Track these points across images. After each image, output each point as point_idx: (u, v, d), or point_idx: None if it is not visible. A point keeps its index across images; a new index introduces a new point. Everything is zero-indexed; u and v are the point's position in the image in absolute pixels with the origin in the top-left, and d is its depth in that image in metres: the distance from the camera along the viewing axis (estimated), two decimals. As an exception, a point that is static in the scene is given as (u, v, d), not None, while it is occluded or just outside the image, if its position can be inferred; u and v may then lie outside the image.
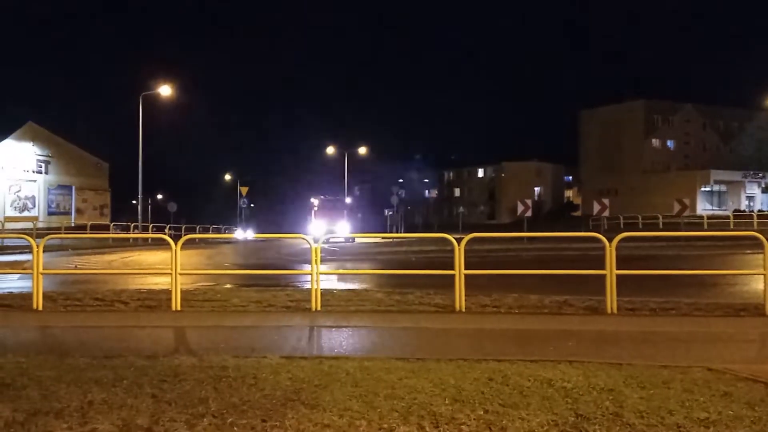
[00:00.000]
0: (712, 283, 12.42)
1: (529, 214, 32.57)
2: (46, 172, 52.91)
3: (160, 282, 12.24)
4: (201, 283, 12.74)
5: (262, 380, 4.85)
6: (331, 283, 12.86)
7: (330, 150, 63.40)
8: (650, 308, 8.76)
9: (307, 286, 9.35)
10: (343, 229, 37.71)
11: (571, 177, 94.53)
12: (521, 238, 23.80)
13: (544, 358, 5.67)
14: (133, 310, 9.11)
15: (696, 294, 10.33)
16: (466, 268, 8.88)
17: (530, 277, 11.81)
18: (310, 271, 9.09)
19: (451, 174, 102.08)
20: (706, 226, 43.64)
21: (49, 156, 53.09)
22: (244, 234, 45.76)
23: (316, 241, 9.46)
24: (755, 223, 43.52)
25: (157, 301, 9.61)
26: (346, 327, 7.87)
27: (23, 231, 31.92)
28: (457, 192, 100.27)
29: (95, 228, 42.23)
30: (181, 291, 9.32)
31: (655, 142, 74.89)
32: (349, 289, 11.34)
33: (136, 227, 40.92)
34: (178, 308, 9.02)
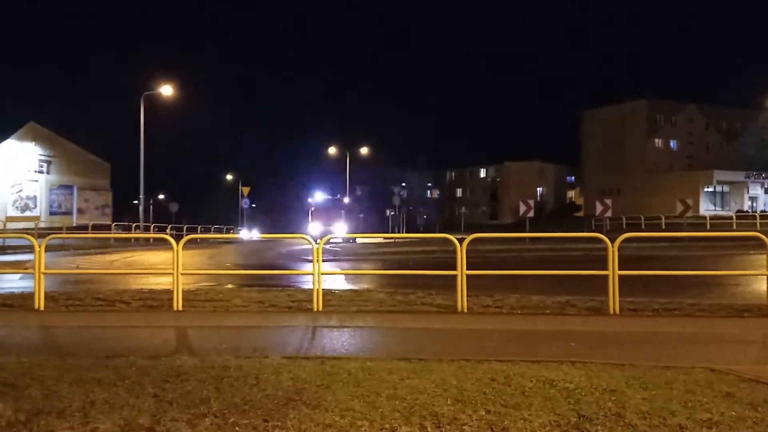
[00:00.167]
0: (714, 283, 12.40)
1: (531, 214, 32.55)
2: (47, 172, 52.95)
3: (161, 282, 12.25)
4: (202, 283, 12.74)
5: (264, 380, 4.85)
6: (333, 283, 12.85)
7: (332, 150, 63.42)
8: (653, 309, 8.74)
9: (309, 286, 9.34)
10: (340, 229, 37.58)
11: (573, 177, 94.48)
12: (523, 239, 23.77)
13: (546, 359, 5.66)
14: (134, 310, 9.12)
15: (699, 295, 10.31)
16: (468, 269, 8.87)
17: (532, 278, 11.79)
18: (311, 271, 9.09)
19: (453, 174, 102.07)
20: (708, 227, 43.53)
21: (50, 156, 53.14)
22: (249, 234, 45.77)
23: (317, 241, 9.46)
24: (758, 224, 43.45)
25: (159, 301, 9.62)
26: (347, 327, 7.86)
27: (25, 231, 31.92)
28: (458, 192, 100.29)
29: (97, 228, 42.24)
30: (183, 291, 9.33)
31: (658, 142, 74.79)
32: (350, 290, 11.34)
33: (137, 227, 40.91)
34: (180, 308, 9.02)
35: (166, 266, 11.20)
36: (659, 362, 5.60)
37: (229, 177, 76.51)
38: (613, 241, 8.66)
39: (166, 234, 23.01)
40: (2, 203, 48.80)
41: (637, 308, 8.78)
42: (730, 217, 50.59)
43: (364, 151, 62.98)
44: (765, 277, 8.65)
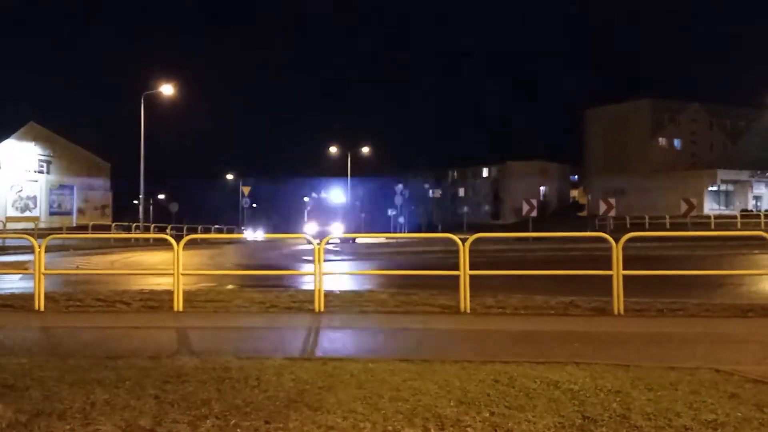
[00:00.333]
0: (719, 283, 12.35)
1: (534, 214, 32.49)
2: (47, 172, 52.96)
3: (162, 282, 12.22)
4: (203, 284, 12.72)
5: (266, 382, 4.82)
6: (335, 283, 12.82)
7: (333, 150, 63.41)
8: (657, 309, 8.70)
9: (310, 286, 9.31)
10: (337, 229, 37.17)
11: (576, 176, 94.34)
12: (526, 239, 23.77)
13: (550, 360, 5.62)
14: (135, 311, 9.09)
15: (703, 294, 10.27)
16: (470, 269, 8.83)
17: (536, 278, 11.75)
18: (313, 272, 9.05)
19: (455, 173, 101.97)
20: (713, 226, 43.45)
21: (50, 156, 53.14)
22: (254, 234, 45.55)
23: (318, 240, 9.42)
24: (762, 223, 43.43)
25: (160, 301, 9.59)
26: (349, 328, 7.84)
27: (25, 231, 31.96)
28: (461, 192, 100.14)
29: (97, 228, 42.28)
30: (184, 292, 9.30)
31: (662, 141, 74.70)
32: (352, 290, 11.31)
33: (137, 227, 40.95)
34: (181, 309, 8.99)
35: (167, 267, 11.19)
36: (664, 363, 5.56)
37: (229, 177, 76.63)
38: (617, 240, 8.62)
39: (166, 234, 23.02)
40: (2, 203, 48.82)
41: (641, 308, 8.73)
42: (735, 217, 50.50)
43: (365, 150, 63.00)
44: (769, 276, 8.59)
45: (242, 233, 49.59)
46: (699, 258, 19.93)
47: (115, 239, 33.59)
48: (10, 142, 50.36)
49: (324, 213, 41.74)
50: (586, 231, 31.29)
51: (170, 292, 9.40)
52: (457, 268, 8.84)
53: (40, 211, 51.74)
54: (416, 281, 12.13)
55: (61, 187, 54.09)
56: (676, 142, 75.45)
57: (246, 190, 54.70)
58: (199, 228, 44.27)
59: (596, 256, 12.68)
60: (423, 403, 4.27)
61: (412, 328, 7.86)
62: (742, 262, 18.98)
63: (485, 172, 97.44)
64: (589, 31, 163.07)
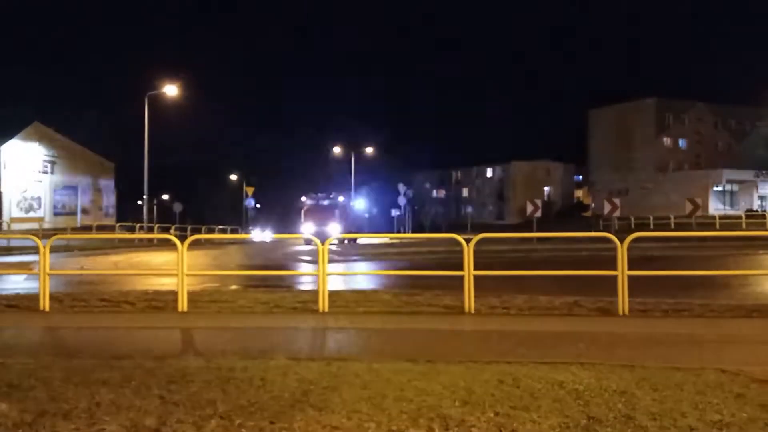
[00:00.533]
0: (724, 283, 12.31)
1: (538, 214, 32.38)
2: (52, 173, 53.04)
3: (166, 283, 12.23)
4: (207, 284, 12.73)
5: (270, 382, 4.82)
6: (339, 284, 12.82)
7: (336, 150, 63.38)
8: (662, 309, 8.68)
9: (314, 287, 9.32)
10: (334, 230, 36.53)
11: (581, 176, 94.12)
12: (531, 239, 23.70)
13: (555, 360, 5.61)
14: (139, 311, 9.11)
15: (708, 295, 10.23)
16: (475, 269, 8.82)
17: (540, 278, 11.71)
18: (317, 272, 9.05)
19: (459, 173, 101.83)
20: (718, 226, 43.29)
21: (54, 156, 53.19)
22: (262, 235, 45.27)
23: (318, 240, 9.42)
24: (767, 224, 43.25)
25: (164, 302, 9.60)
26: (354, 328, 7.83)
27: (29, 231, 32.07)
28: (465, 192, 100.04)
29: (101, 228, 42.41)
30: (188, 292, 9.30)
31: (667, 141, 74.38)
32: (356, 291, 11.30)
33: (141, 228, 41.00)
34: (185, 309, 9.00)
35: (171, 267, 11.20)
36: (669, 363, 5.55)
37: (233, 177, 76.64)
38: (622, 241, 8.60)
39: (170, 234, 23.05)
40: (7, 204, 48.92)
41: (646, 309, 8.71)
42: (740, 217, 50.31)
43: (369, 150, 62.96)
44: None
45: (249, 233, 49.50)
46: (704, 258, 19.84)
47: (120, 239, 33.66)
48: (15, 143, 50.41)
49: (320, 213, 40.92)
50: (590, 231, 31.23)
51: (174, 293, 9.41)
52: (461, 268, 8.84)
53: (44, 211, 51.80)
54: (420, 282, 12.13)
55: (66, 187, 54.18)
56: (681, 142, 75.17)
57: (250, 190, 54.71)
58: (203, 228, 44.28)
59: (601, 256, 12.65)
60: (427, 404, 4.27)
61: (417, 328, 7.86)
62: (747, 262, 18.92)
63: (489, 172, 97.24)
64: (588, 31, 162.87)
